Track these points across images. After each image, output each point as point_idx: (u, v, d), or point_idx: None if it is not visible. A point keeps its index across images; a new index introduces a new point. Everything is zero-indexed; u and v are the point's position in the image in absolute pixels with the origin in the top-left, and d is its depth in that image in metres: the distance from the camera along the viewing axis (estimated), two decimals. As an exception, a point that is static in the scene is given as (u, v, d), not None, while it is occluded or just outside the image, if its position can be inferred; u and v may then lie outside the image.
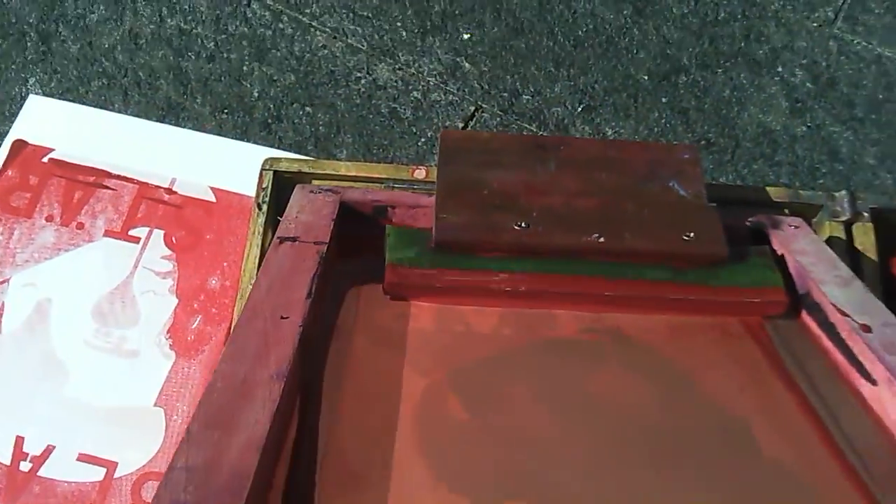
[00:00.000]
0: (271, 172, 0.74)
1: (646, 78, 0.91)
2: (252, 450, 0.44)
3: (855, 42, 0.95)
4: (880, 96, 0.92)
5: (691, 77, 0.91)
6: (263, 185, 0.73)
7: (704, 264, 0.62)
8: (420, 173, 0.73)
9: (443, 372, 0.61)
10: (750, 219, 0.68)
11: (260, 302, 0.56)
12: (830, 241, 0.70)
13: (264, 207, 0.72)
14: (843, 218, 0.70)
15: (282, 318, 0.55)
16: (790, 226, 0.67)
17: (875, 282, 0.69)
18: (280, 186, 0.74)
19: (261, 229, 0.72)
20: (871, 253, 0.69)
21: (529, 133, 0.88)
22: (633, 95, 0.90)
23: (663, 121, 0.88)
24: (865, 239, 0.70)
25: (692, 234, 0.62)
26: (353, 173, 0.74)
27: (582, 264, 0.62)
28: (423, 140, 0.88)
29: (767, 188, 0.73)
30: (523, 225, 0.62)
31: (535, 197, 0.64)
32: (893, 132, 0.89)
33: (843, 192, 0.70)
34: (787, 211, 0.72)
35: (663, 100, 0.89)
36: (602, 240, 0.61)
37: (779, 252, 0.65)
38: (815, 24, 0.95)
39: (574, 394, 0.60)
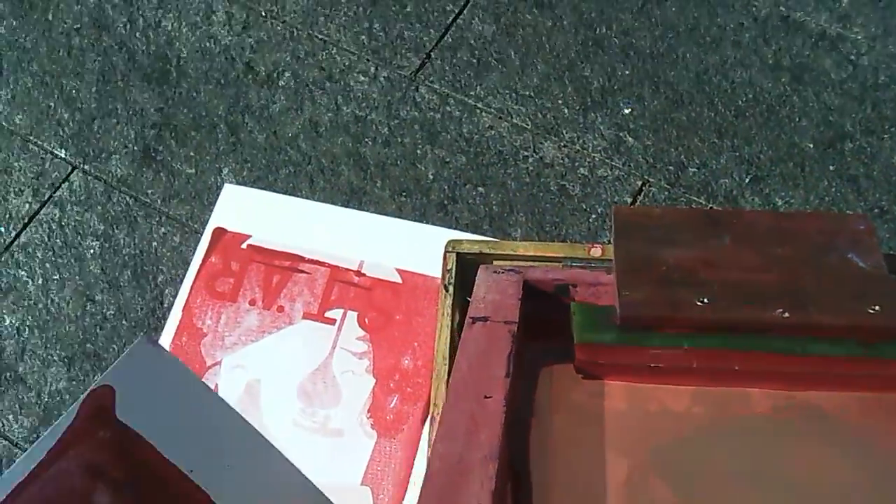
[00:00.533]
0: (454, 254, 0.80)
1: (811, 146, 0.94)
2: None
3: None
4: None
5: (857, 143, 0.93)
6: (448, 267, 0.79)
7: (891, 338, 0.64)
8: (596, 251, 0.78)
9: (643, 452, 0.66)
10: None
11: (462, 382, 0.61)
12: None
13: (451, 288, 0.78)
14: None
15: (485, 397, 0.60)
16: None
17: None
18: (463, 267, 0.80)
19: (449, 310, 0.78)
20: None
21: (699, 206, 0.92)
22: (799, 164, 0.93)
23: (833, 189, 0.91)
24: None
25: (877, 307, 0.63)
26: (531, 253, 0.80)
27: (768, 340, 0.64)
28: (593, 216, 0.93)
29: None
30: (706, 300, 0.64)
31: (713, 272, 0.67)
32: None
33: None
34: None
35: (831, 167, 0.93)
36: (787, 315, 0.63)
37: None
38: None
39: (777, 473, 0.64)
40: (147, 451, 0.67)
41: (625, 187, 0.94)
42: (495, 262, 0.80)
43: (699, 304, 0.64)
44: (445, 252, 0.80)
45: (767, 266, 0.67)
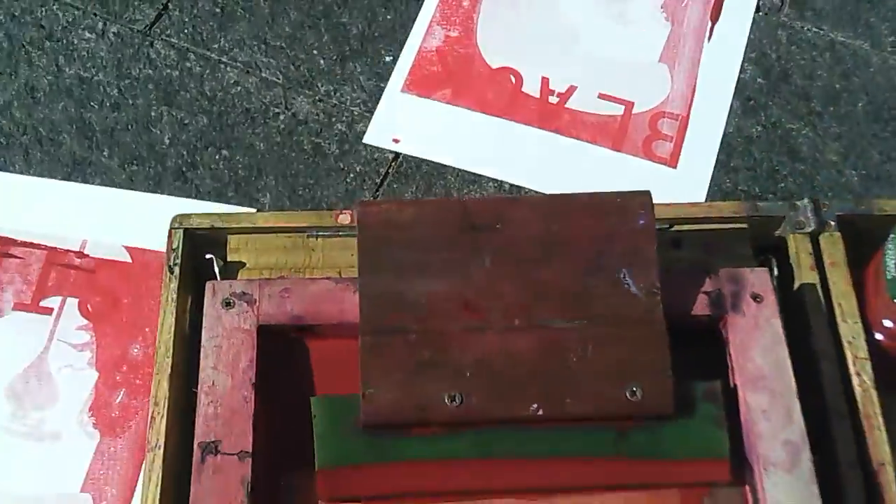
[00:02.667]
0: (181, 231, 0.74)
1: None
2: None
3: (805, 29, 0.96)
4: (837, 86, 0.93)
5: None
6: (174, 246, 0.74)
7: (650, 420, 0.64)
8: (345, 218, 0.74)
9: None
10: (706, 289, 0.68)
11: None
12: (798, 259, 0.71)
13: (176, 270, 0.72)
14: (809, 229, 0.71)
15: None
16: (753, 298, 0.67)
17: (849, 298, 0.69)
18: (194, 244, 0.74)
19: (174, 295, 0.72)
20: (842, 266, 0.70)
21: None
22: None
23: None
24: (834, 251, 0.71)
25: (637, 391, 0.62)
26: (273, 223, 0.74)
27: (522, 436, 0.63)
28: (351, 176, 0.89)
29: (724, 203, 0.73)
30: (457, 400, 0.62)
31: (467, 339, 0.64)
32: (854, 124, 0.91)
33: (806, 201, 0.72)
34: (747, 230, 0.73)
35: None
36: (541, 412, 0.62)
37: (733, 378, 0.66)
38: (761, 14, 0.96)
39: None
40: None
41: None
42: (231, 238, 0.75)
43: (448, 404, 0.62)
44: (171, 229, 0.74)
45: (528, 313, 0.64)
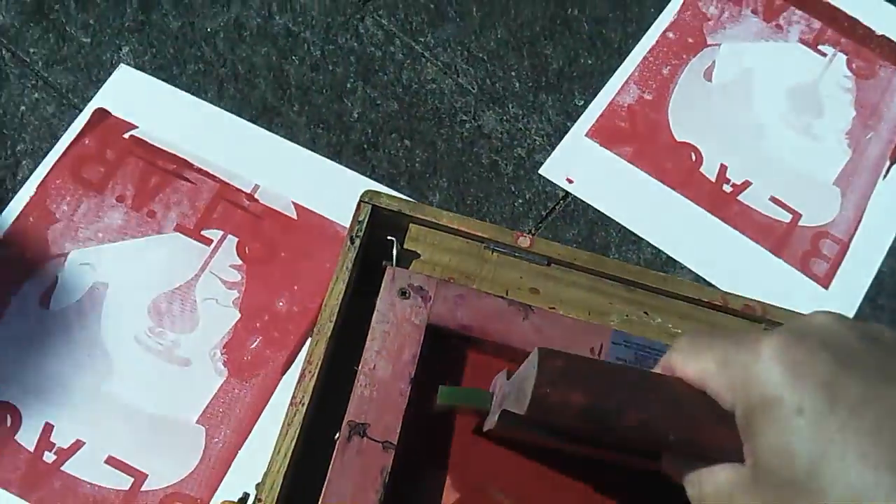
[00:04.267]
0: (370, 206, 0.78)
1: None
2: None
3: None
4: None
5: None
6: (360, 218, 0.77)
7: None
8: (524, 241, 0.78)
9: None
10: None
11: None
12: None
13: (357, 242, 0.76)
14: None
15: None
16: None
17: None
18: (376, 222, 0.78)
19: (350, 264, 0.75)
20: None
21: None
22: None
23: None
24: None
25: None
26: (455, 225, 0.78)
27: None
28: (520, 202, 0.93)
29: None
30: None
31: None
32: None
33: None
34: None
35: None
36: None
37: None
38: (937, 167, 1.01)
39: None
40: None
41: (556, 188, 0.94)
42: (412, 227, 0.79)
43: None
44: (360, 201, 0.78)
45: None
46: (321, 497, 0.66)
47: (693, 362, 0.54)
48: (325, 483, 0.66)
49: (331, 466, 0.66)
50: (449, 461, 0.70)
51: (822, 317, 0.50)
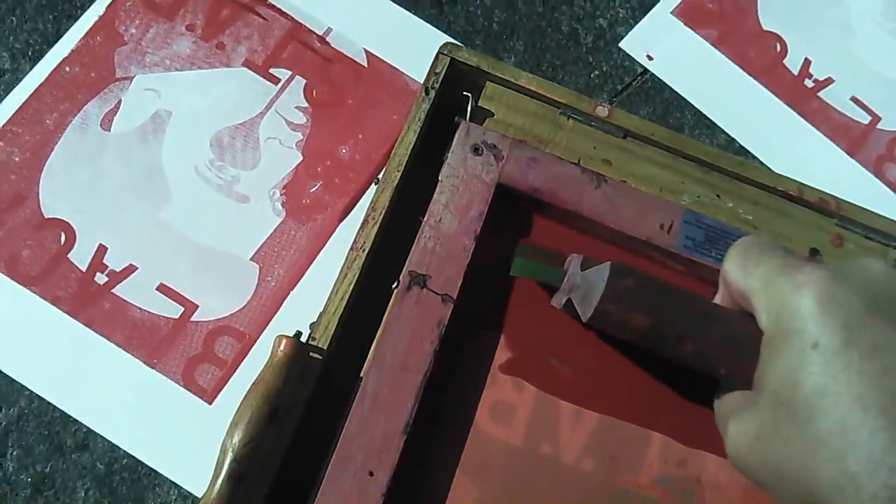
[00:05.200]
0: (448, 58, 0.75)
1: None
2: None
3: None
4: None
5: None
6: (437, 70, 0.75)
7: None
8: (602, 111, 0.75)
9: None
10: None
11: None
12: None
13: (432, 93, 0.74)
14: None
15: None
16: None
17: None
18: (452, 76, 0.75)
19: (423, 115, 0.73)
20: None
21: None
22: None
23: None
24: None
25: None
26: (533, 87, 0.75)
27: None
28: (597, 72, 0.89)
29: None
30: None
31: None
32: None
33: None
34: None
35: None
36: None
37: None
38: None
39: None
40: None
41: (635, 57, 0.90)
42: (488, 84, 0.76)
43: None
44: (439, 53, 0.75)
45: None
46: (374, 342, 0.65)
47: (742, 277, 0.55)
48: (381, 329, 0.65)
49: (387, 313, 0.65)
50: (505, 321, 0.69)
51: (872, 262, 0.51)
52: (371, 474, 0.60)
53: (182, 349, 0.76)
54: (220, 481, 0.58)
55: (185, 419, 0.75)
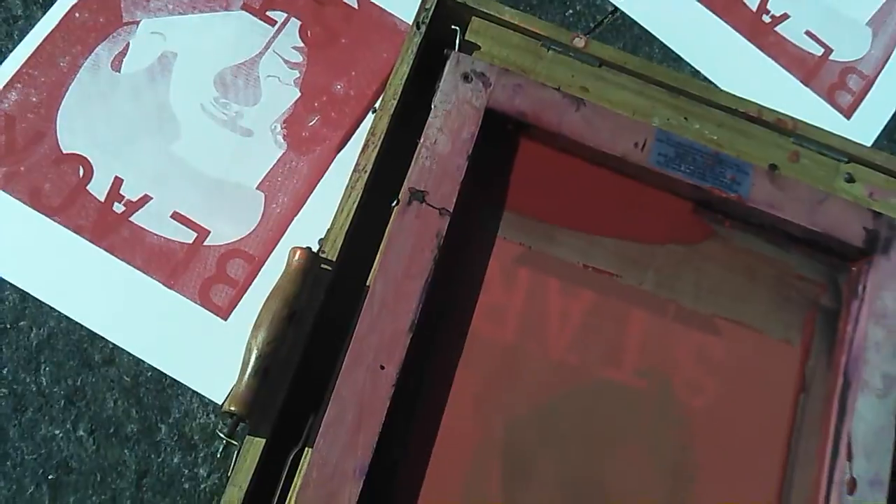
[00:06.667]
0: (437, -5, 0.80)
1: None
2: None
3: None
4: None
5: None
6: (427, 6, 0.79)
7: None
8: (579, 42, 0.80)
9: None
10: (866, 226, 0.76)
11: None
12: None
13: (423, 28, 0.79)
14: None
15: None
16: None
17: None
18: (439, 14, 0.79)
19: (415, 48, 0.78)
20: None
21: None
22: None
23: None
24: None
25: None
26: (516, 21, 0.81)
27: None
28: (570, 11, 0.95)
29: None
30: None
31: None
32: None
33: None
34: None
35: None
36: None
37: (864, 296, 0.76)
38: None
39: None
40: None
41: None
42: (474, 20, 0.80)
43: None
44: (429, -10, 0.79)
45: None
46: (379, 252, 0.70)
47: None
48: (385, 240, 0.70)
49: (390, 226, 0.70)
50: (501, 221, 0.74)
51: None
52: (382, 367, 0.65)
53: (197, 271, 0.81)
54: (247, 375, 0.63)
55: (203, 334, 0.80)
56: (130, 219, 0.82)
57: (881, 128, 0.96)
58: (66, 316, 0.79)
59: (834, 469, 0.72)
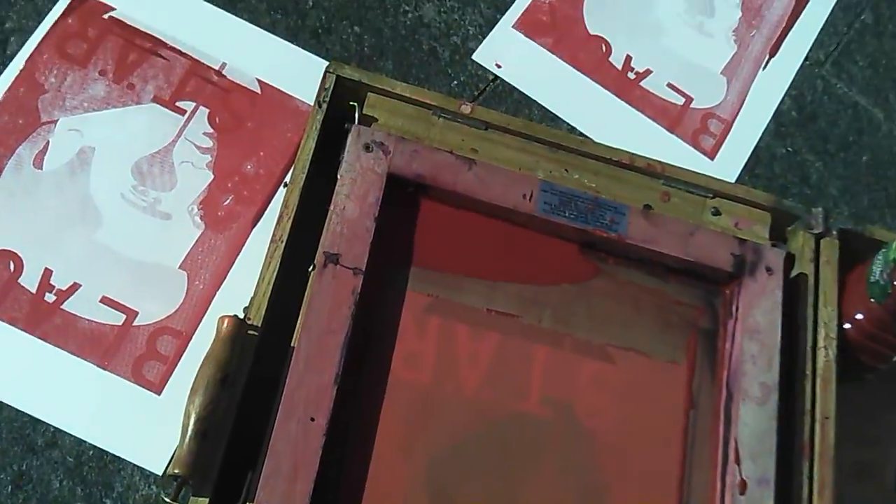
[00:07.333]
0: (335, 76, 0.87)
1: (660, 74, 1.08)
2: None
3: (838, 86, 1.14)
4: (850, 138, 1.11)
5: (699, 82, 1.08)
6: (326, 86, 0.86)
7: None
8: (466, 109, 0.88)
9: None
10: (734, 252, 0.85)
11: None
12: (802, 252, 0.88)
13: (324, 106, 0.85)
14: (816, 231, 0.88)
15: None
16: (767, 270, 0.85)
17: (833, 290, 0.87)
18: (341, 90, 0.86)
19: (318, 125, 0.85)
20: (834, 265, 0.88)
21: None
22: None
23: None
24: (831, 252, 0.88)
25: None
26: (408, 94, 0.88)
27: None
28: (455, 83, 1.03)
29: (758, 192, 0.90)
30: None
31: None
32: (855, 171, 1.10)
33: (821, 210, 0.89)
34: (768, 217, 0.90)
35: (672, 97, 1.07)
36: None
37: (732, 326, 0.85)
38: (807, 63, 1.15)
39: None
40: None
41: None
42: (370, 96, 0.87)
43: None
44: (326, 72, 0.86)
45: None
46: (301, 313, 0.76)
47: None
48: (305, 302, 0.76)
49: (309, 288, 0.76)
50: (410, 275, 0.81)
51: None
52: (312, 419, 0.71)
53: (129, 351, 0.86)
54: (187, 438, 0.68)
55: (138, 410, 0.84)
56: (62, 307, 0.86)
57: (742, 165, 1.06)
58: (7, 404, 0.83)
59: (725, 473, 0.79)
